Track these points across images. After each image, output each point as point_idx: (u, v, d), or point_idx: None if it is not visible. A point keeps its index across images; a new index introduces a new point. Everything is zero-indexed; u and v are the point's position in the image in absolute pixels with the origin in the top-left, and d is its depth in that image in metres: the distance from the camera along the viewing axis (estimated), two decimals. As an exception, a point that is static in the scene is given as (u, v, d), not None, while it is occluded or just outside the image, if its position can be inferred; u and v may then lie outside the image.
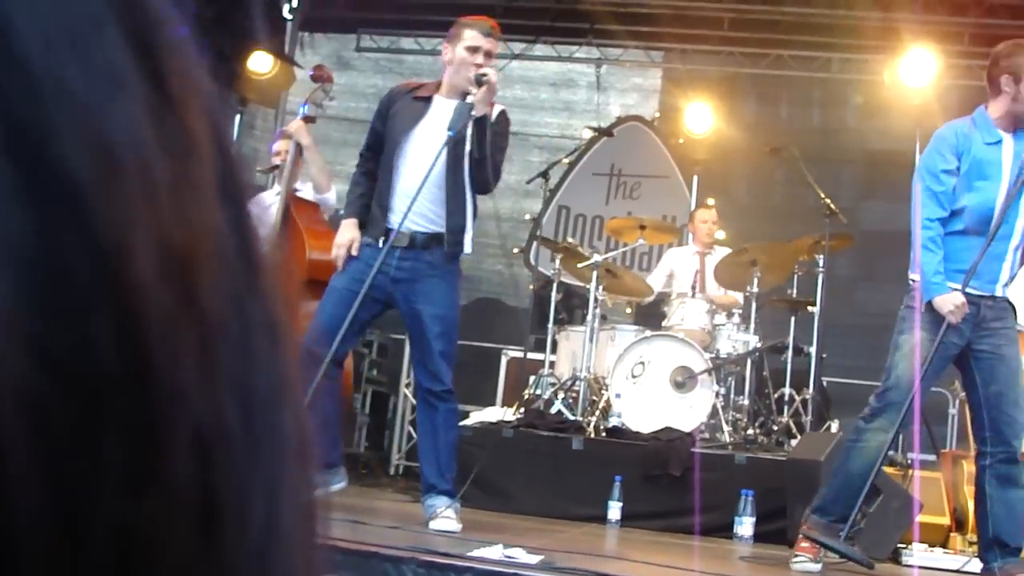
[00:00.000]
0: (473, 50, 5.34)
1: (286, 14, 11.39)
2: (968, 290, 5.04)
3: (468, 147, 5.26)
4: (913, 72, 10.01)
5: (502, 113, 5.47)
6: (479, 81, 5.21)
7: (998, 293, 5.17)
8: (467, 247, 5.43)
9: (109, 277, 0.21)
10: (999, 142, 5.18)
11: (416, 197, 5.06)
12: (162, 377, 0.22)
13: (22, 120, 0.20)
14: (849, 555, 4.92)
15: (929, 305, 5.12)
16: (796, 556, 5.29)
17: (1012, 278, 5.22)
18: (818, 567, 5.24)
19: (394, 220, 5.24)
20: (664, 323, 8.21)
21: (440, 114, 5.34)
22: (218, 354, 0.24)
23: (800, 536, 5.37)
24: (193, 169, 0.24)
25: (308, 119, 6.48)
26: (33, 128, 0.21)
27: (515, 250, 11.95)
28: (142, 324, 0.22)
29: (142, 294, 0.22)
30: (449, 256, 5.34)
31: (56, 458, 0.20)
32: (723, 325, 8.00)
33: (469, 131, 5.21)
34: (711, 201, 9.58)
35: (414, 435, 8.72)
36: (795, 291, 8.56)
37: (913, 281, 5.26)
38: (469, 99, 5.21)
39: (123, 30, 0.24)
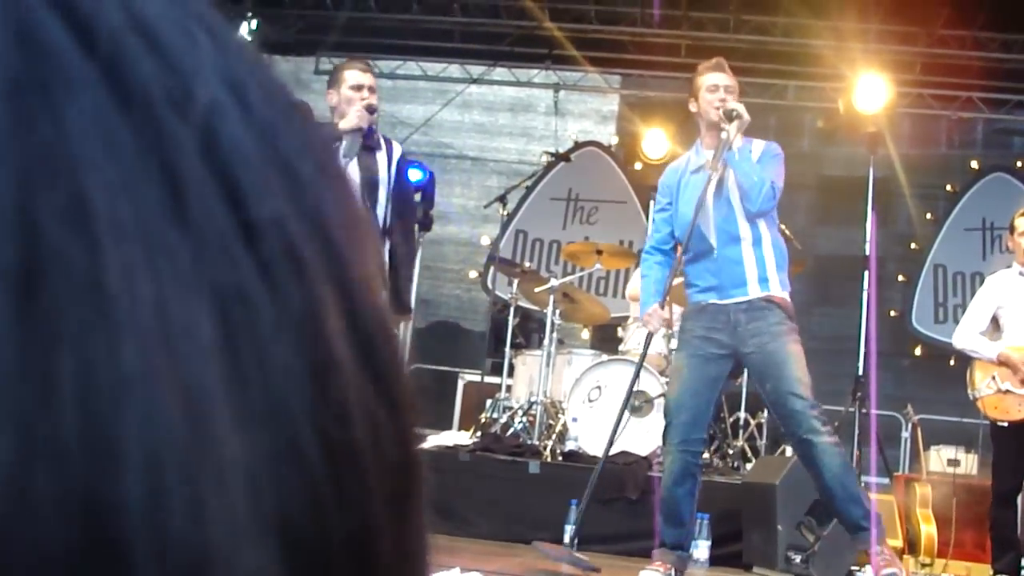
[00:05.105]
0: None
1: (245, 35, 11.37)
2: (711, 301, 5.33)
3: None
4: (867, 99, 10.14)
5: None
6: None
7: (752, 295, 5.31)
8: None
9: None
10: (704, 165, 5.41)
11: None
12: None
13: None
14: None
15: (681, 327, 5.58)
16: (646, 568, 5.42)
17: (773, 272, 5.38)
18: None
19: None
20: (621, 347, 8.24)
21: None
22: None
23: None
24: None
25: None
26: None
27: (472, 274, 11.97)
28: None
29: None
30: None
31: None
32: (679, 349, 8.04)
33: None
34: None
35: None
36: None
37: None
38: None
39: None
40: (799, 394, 5.08)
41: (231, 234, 0.27)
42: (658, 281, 5.47)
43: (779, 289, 5.35)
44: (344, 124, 5.23)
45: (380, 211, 5.42)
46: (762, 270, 5.32)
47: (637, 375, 5.65)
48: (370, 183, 5.34)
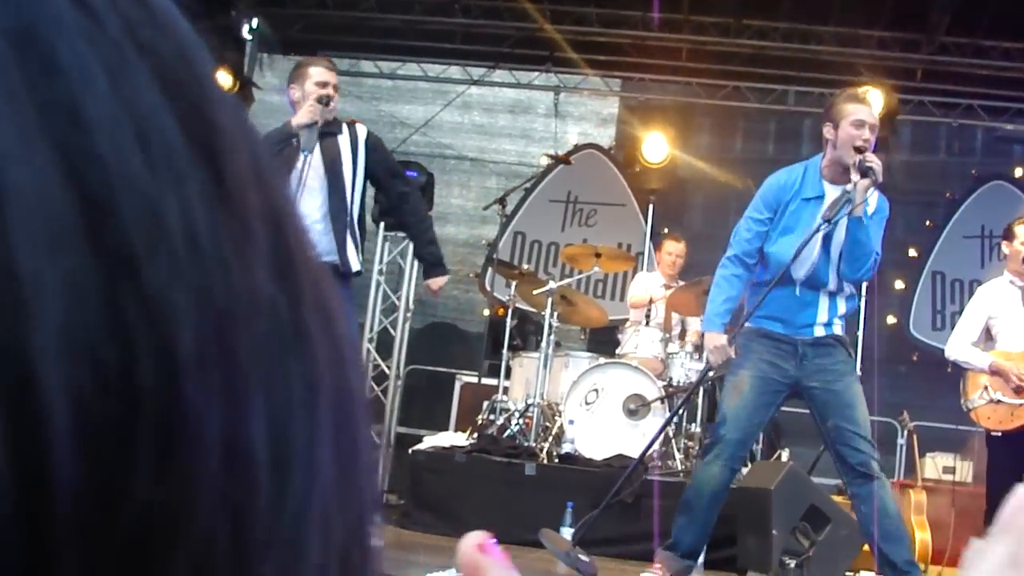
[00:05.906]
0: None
1: (245, 34, 11.37)
2: (775, 331, 5.28)
3: None
4: (866, 106, 10.14)
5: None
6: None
7: (817, 335, 5.28)
8: None
9: (151, 318, 0.27)
10: (820, 197, 5.23)
11: None
12: (189, 401, 0.27)
13: (95, 199, 0.26)
14: None
15: (744, 344, 5.36)
16: (645, 571, 5.46)
17: (837, 318, 5.33)
18: None
19: None
20: (618, 351, 8.24)
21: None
22: (248, 394, 0.29)
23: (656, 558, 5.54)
24: (245, 250, 0.30)
25: None
26: (103, 205, 0.27)
27: (471, 275, 11.96)
28: (176, 357, 0.27)
29: (177, 335, 0.27)
30: None
31: (96, 444, 0.26)
32: (676, 354, 8.04)
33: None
34: (668, 229, 9.62)
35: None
36: (748, 320, 8.63)
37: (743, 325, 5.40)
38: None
39: (186, 134, 0.29)
40: (865, 436, 5.17)
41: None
42: (730, 299, 5.36)
43: (841, 330, 5.37)
44: (297, 120, 5.31)
45: (348, 192, 5.48)
46: (831, 316, 5.31)
47: (681, 407, 5.65)
48: (332, 167, 5.41)
